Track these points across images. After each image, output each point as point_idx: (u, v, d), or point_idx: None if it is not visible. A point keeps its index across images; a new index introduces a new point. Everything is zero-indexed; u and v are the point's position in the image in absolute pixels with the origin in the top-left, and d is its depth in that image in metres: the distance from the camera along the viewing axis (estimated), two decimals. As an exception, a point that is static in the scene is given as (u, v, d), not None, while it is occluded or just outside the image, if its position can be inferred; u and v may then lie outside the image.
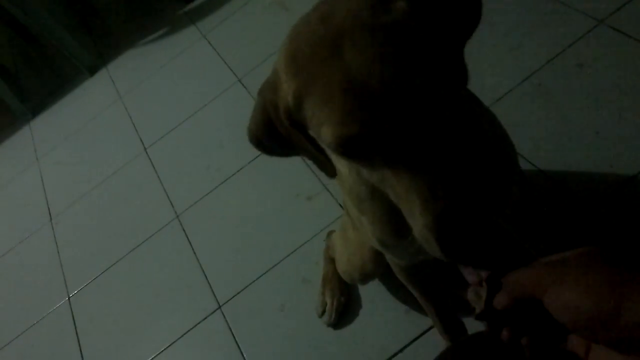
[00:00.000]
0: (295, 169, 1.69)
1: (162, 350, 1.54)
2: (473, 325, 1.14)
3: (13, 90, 2.80)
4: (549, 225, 1.17)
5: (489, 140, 0.78)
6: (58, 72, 3.07)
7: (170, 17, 2.75)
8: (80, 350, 1.68)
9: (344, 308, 1.36)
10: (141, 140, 2.22)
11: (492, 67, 1.51)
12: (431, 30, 0.55)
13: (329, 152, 0.67)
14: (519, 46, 1.54)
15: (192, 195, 1.87)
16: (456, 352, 0.76)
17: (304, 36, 0.58)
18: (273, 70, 0.63)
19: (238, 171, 1.83)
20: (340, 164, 0.79)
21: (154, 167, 2.07)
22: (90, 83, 2.77)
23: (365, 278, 1.25)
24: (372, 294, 1.36)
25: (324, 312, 1.37)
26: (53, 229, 2.12)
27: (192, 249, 1.72)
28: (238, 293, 1.54)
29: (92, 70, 2.80)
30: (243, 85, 2.10)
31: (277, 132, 0.66)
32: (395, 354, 1.24)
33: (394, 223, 0.82)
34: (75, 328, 1.75)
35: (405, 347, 1.24)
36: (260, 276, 1.54)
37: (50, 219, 2.17)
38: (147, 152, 2.15)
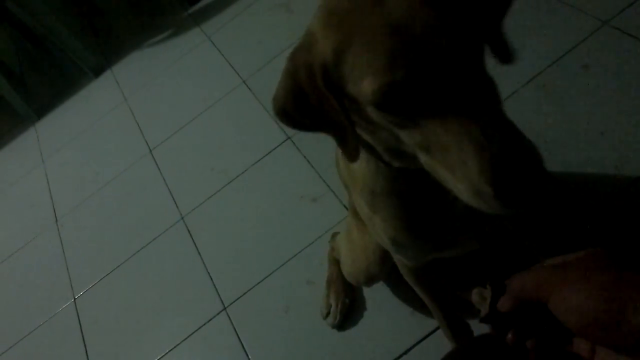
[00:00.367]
0: (300, 171, 1.69)
1: (168, 352, 1.54)
2: (479, 328, 1.13)
3: (18, 91, 2.81)
4: (554, 226, 1.17)
5: None
6: (63, 74, 3.08)
7: (175, 19, 2.76)
8: (86, 352, 1.69)
9: (348, 310, 1.36)
10: (146, 142, 2.22)
11: (497, 69, 1.51)
12: None
13: (359, 126, 0.66)
14: (523, 47, 1.54)
15: (197, 196, 1.87)
16: (461, 355, 0.76)
17: None
18: (306, 33, 0.62)
19: (243, 173, 1.83)
20: (359, 161, 0.78)
21: (159, 169, 2.07)
22: (96, 85, 2.78)
23: (370, 280, 1.24)
24: (377, 295, 1.36)
25: (328, 313, 1.37)
26: (58, 230, 2.13)
27: (197, 251, 1.72)
28: (243, 294, 1.54)
29: (97, 72, 2.81)
30: (247, 86, 2.10)
31: (306, 101, 0.64)
32: (400, 356, 1.24)
33: (409, 220, 0.82)
34: (81, 329, 1.76)
35: (410, 349, 1.24)
36: (265, 278, 1.54)
37: (56, 220, 2.17)
38: (152, 154, 2.15)
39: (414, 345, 1.24)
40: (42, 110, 2.86)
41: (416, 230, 0.83)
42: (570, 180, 1.28)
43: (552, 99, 1.43)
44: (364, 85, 0.55)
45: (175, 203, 1.91)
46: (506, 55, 0.62)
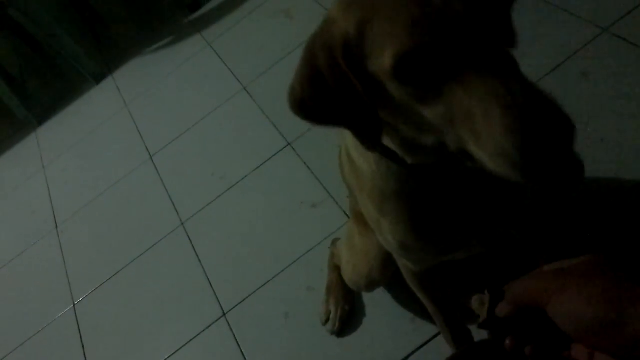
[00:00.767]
0: (300, 177, 1.69)
1: (167, 358, 1.54)
2: (480, 334, 1.13)
3: (19, 98, 2.82)
4: (553, 232, 1.17)
5: None
6: (64, 80, 3.09)
7: (176, 25, 2.77)
8: (85, 358, 1.68)
9: (348, 316, 1.36)
10: (147, 148, 2.22)
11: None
12: None
13: (381, 110, 0.66)
14: (522, 55, 1.53)
15: (197, 202, 1.87)
16: (460, 360, 0.76)
17: None
18: (324, 20, 0.64)
19: (243, 179, 1.83)
20: (369, 162, 0.79)
21: (159, 175, 2.07)
22: (96, 91, 2.79)
23: (372, 285, 1.24)
24: (377, 302, 1.36)
25: (328, 320, 1.37)
26: (59, 236, 2.13)
27: (197, 256, 1.72)
28: (243, 300, 1.54)
29: (98, 79, 2.82)
30: (248, 93, 2.11)
31: (325, 87, 0.63)
32: (400, 362, 1.24)
33: (419, 222, 0.82)
34: (80, 335, 1.75)
35: (409, 355, 1.24)
36: (264, 284, 1.54)
37: (56, 226, 2.17)
38: (152, 160, 2.16)
39: (413, 352, 1.24)
40: (43, 116, 2.87)
41: (425, 233, 0.84)
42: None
43: (552, 106, 1.43)
44: (385, 56, 0.56)
45: (175, 209, 1.91)
46: (511, 39, 0.62)
